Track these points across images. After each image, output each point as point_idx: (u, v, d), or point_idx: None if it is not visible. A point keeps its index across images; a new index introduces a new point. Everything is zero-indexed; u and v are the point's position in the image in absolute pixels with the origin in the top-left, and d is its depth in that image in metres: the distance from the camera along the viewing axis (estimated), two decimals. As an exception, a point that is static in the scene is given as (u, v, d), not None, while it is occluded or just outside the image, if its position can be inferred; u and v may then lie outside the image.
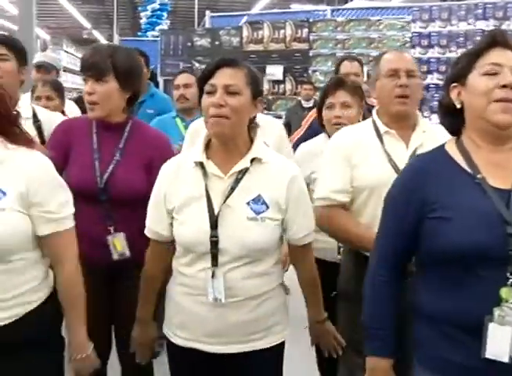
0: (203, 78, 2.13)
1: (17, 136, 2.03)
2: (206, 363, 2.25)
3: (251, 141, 2.20)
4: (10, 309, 2.00)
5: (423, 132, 2.57)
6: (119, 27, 20.39)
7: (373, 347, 1.96)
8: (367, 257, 2.17)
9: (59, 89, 4.16)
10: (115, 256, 2.62)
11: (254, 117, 2.21)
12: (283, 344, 2.33)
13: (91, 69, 2.61)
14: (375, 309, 1.97)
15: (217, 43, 9.47)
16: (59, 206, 2.06)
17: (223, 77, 2.10)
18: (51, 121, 2.99)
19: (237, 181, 2.13)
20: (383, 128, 2.58)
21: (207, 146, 2.20)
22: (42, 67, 4.85)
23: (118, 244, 2.64)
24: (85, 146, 2.66)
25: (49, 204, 2.03)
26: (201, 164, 2.15)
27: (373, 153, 2.55)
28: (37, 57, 5.19)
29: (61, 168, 2.34)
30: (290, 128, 6.58)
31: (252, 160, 2.15)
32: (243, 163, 2.14)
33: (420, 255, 1.91)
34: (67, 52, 23.38)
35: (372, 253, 2.04)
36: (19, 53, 3.04)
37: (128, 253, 2.64)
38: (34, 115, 3.20)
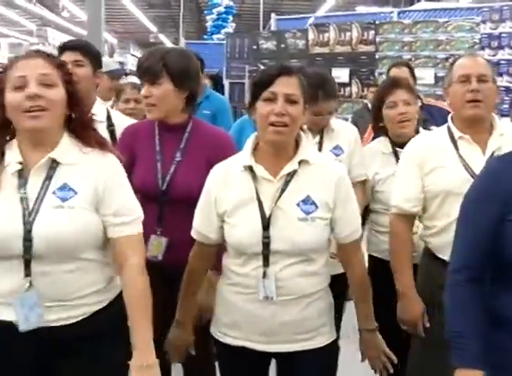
0: (262, 85, 2.16)
1: (91, 139, 2.11)
2: (256, 362, 2.31)
3: (296, 143, 2.24)
4: (75, 309, 2.06)
5: (500, 136, 2.55)
6: (185, 31, 20.58)
7: (462, 358, 1.89)
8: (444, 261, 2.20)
9: None
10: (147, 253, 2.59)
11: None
12: (334, 346, 2.36)
13: (146, 73, 2.68)
14: (460, 317, 1.93)
15: (282, 46, 9.45)
16: (129, 209, 2.13)
17: (284, 86, 2.14)
18: (124, 124, 3.04)
19: (286, 183, 2.20)
20: (457, 134, 2.58)
21: (254, 149, 2.25)
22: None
23: (157, 247, 2.67)
24: (149, 149, 2.72)
25: (119, 206, 2.09)
26: (250, 168, 2.20)
27: (448, 159, 2.56)
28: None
29: (129, 171, 2.39)
30: (356, 131, 6.53)
31: (300, 163, 2.20)
32: (292, 165, 2.20)
33: (499, 259, 1.88)
34: (134, 55, 23.86)
35: (451, 260, 2.02)
36: (94, 58, 3.16)
37: (160, 257, 2.68)
38: (108, 118, 3.26)
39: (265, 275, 2.17)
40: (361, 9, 15.85)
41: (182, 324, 2.42)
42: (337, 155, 3.10)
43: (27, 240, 1.96)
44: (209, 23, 16.26)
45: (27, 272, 1.98)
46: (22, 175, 2.02)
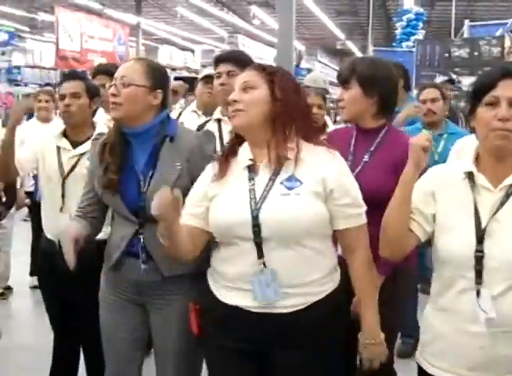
0: (483, 89, 2.03)
1: (318, 138, 2.31)
2: None
3: None
4: (298, 297, 2.16)
5: None
6: (373, 38, 20.45)
7: None
8: None
9: None
10: None
11: None
12: None
13: (338, 78, 2.88)
14: None
15: (476, 54, 9.09)
16: (355, 202, 2.24)
17: (508, 89, 1.98)
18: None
19: (508, 195, 2.00)
20: None
21: (476, 158, 2.09)
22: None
23: None
24: (345, 150, 2.72)
25: (348, 200, 2.21)
26: (471, 176, 2.05)
27: None
28: (205, 71, 5.37)
29: None
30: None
31: None
32: None
33: None
34: (321, 62, 24.08)
35: None
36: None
37: None
38: None
39: (478, 294, 1.95)
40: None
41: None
42: None
43: (255, 225, 2.13)
44: (398, 30, 15.99)
45: (260, 255, 2.14)
46: (252, 169, 2.22)
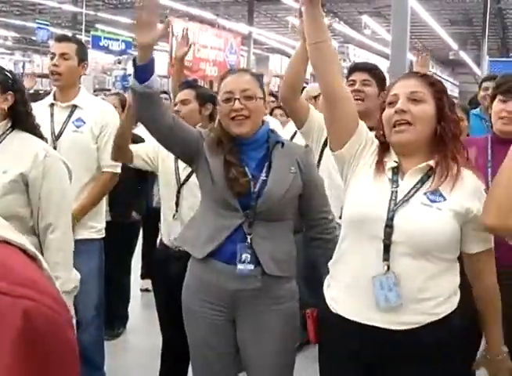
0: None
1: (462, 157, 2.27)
2: None
3: None
4: (411, 314, 2.12)
5: None
6: (487, 48, 19.87)
7: None
8: None
9: None
10: None
11: None
12: None
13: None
14: None
15: None
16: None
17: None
18: None
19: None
20: None
21: None
22: None
23: None
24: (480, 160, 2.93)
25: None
26: None
27: None
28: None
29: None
30: None
31: None
32: None
33: None
34: (432, 72, 23.58)
35: None
36: (378, 80, 3.39)
37: None
38: None
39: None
40: None
41: None
42: None
43: (388, 226, 2.11)
44: (515, 40, 15.48)
45: (386, 257, 2.11)
46: (397, 172, 2.21)
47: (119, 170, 3.73)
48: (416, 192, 2.16)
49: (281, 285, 2.56)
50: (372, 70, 3.39)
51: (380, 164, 2.23)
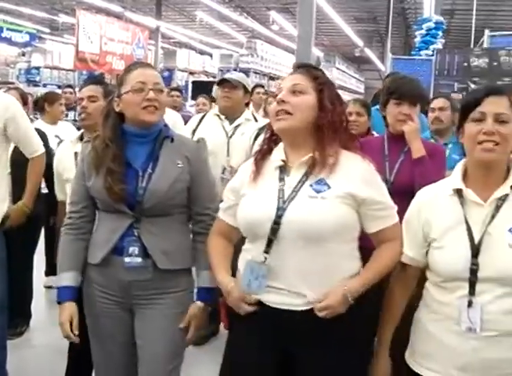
0: (470, 105, 2.14)
1: (353, 145, 2.36)
2: None
3: (507, 167, 2.16)
4: (295, 297, 2.18)
5: None
6: (391, 46, 20.40)
7: None
8: None
9: None
10: None
11: None
12: None
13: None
14: None
15: (495, 64, 9.06)
16: (386, 204, 2.29)
17: (493, 106, 2.09)
18: None
19: (497, 208, 2.10)
20: None
21: (464, 175, 2.19)
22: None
23: None
24: (378, 155, 3.24)
25: (377, 202, 2.25)
26: (459, 192, 2.15)
27: None
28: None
29: None
30: None
31: None
32: (503, 189, 2.10)
33: None
34: (339, 68, 24.04)
35: None
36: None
37: None
38: None
39: (470, 304, 2.06)
40: None
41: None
42: None
43: (276, 223, 2.18)
44: (417, 39, 15.94)
45: (266, 250, 2.20)
46: (283, 170, 2.28)
47: (42, 148, 3.90)
48: (302, 185, 2.23)
49: (174, 277, 2.60)
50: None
51: (260, 164, 2.34)
